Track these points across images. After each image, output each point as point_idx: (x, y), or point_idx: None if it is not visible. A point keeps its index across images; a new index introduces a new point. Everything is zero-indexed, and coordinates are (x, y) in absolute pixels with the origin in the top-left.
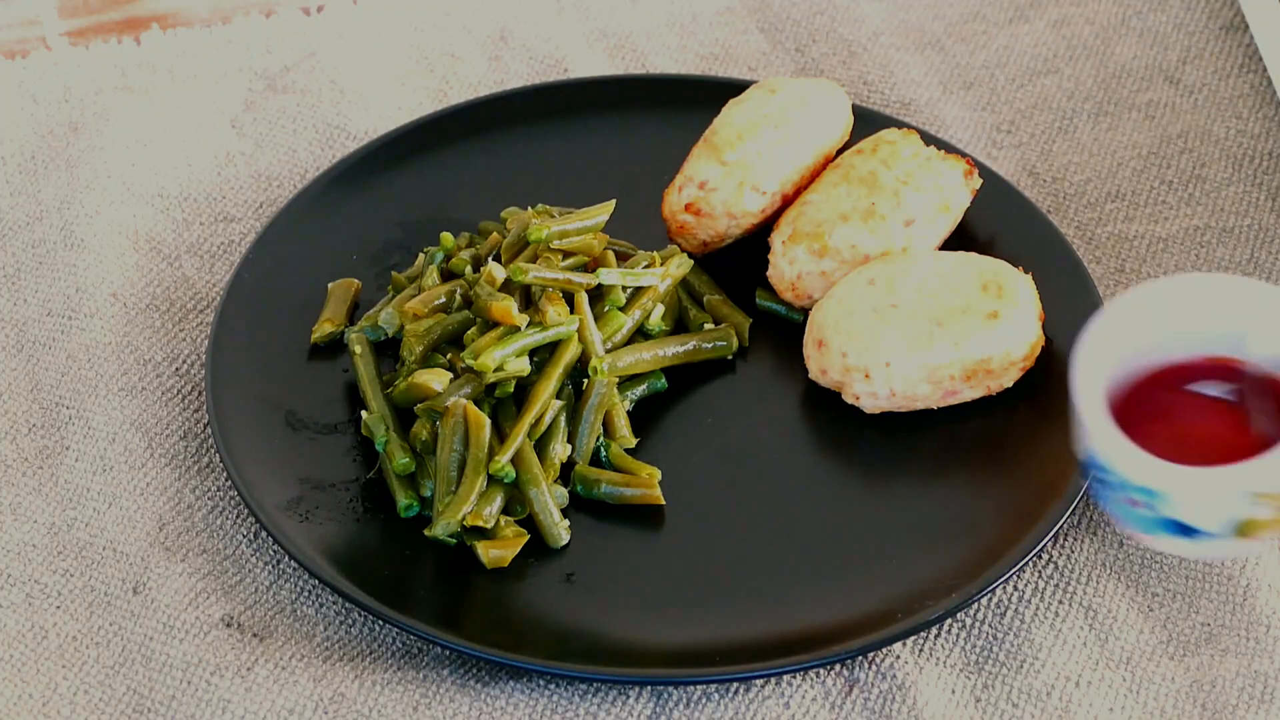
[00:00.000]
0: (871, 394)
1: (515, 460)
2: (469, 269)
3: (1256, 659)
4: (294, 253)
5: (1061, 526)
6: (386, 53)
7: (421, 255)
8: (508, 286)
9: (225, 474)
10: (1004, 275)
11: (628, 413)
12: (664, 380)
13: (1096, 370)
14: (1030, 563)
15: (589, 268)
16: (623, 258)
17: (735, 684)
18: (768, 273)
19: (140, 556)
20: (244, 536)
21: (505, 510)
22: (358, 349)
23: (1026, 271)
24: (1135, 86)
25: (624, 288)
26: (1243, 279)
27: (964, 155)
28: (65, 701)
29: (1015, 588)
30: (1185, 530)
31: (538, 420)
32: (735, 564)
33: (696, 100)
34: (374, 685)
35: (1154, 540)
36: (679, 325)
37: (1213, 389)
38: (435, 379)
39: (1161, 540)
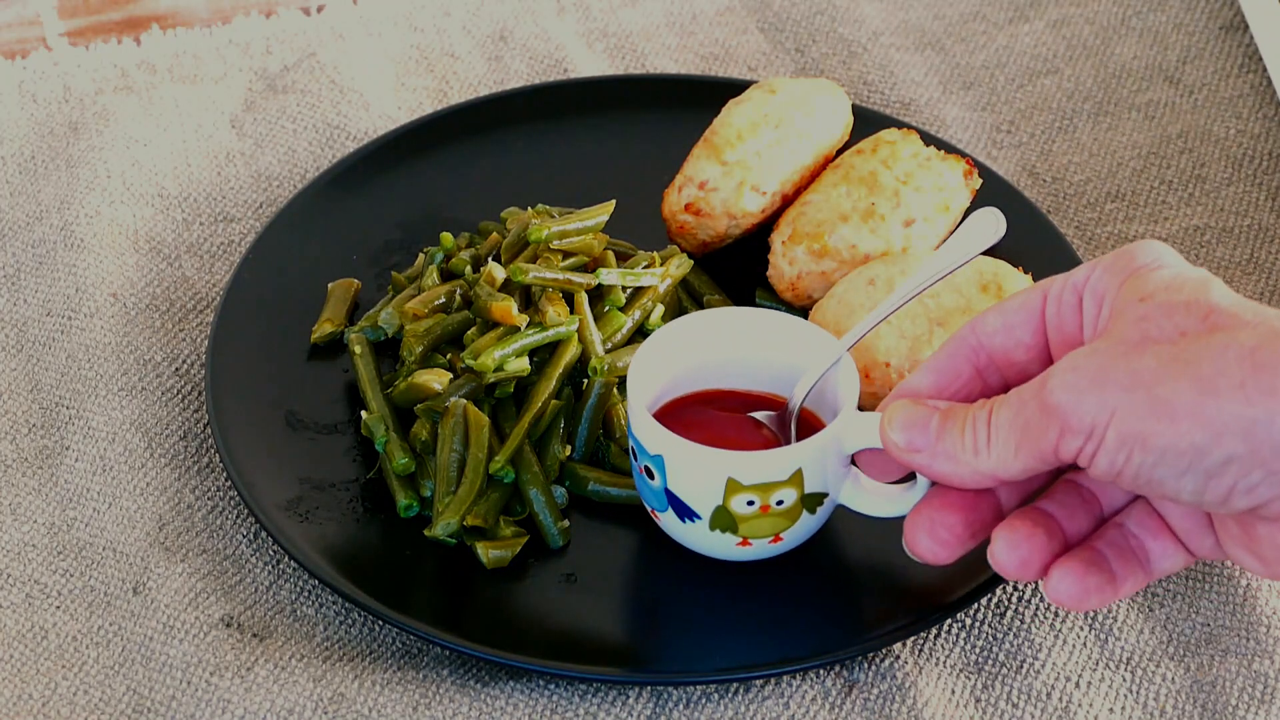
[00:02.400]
0: (871, 394)
1: (515, 460)
2: (469, 269)
3: (1256, 659)
4: (294, 253)
5: None
6: (386, 53)
7: (421, 255)
8: (508, 286)
9: (225, 474)
10: (1004, 275)
11: None
12: None
13: (648, 369)
14: None
15: (589, 268)
16: (623, 258)
17: (735, 684)
18: (768, 273)
19: (140, 556)
20: (244, 536)
21: (505, 510)
22: (358, 349)
23: (1026, 271)
24: (1135, 86)
25: (624, 288)
26: (800, 321)
27: (964, 155)
28: (65, 701)
29: (1015, 588)
30: (682, 509)
31: (538, 420)
32: (735, 564)
33: (696, 100)
34: (374, 685)
35: (662, 520)
36: None
37: (762, 415)
38: (435, 379)
39: (667, 519)
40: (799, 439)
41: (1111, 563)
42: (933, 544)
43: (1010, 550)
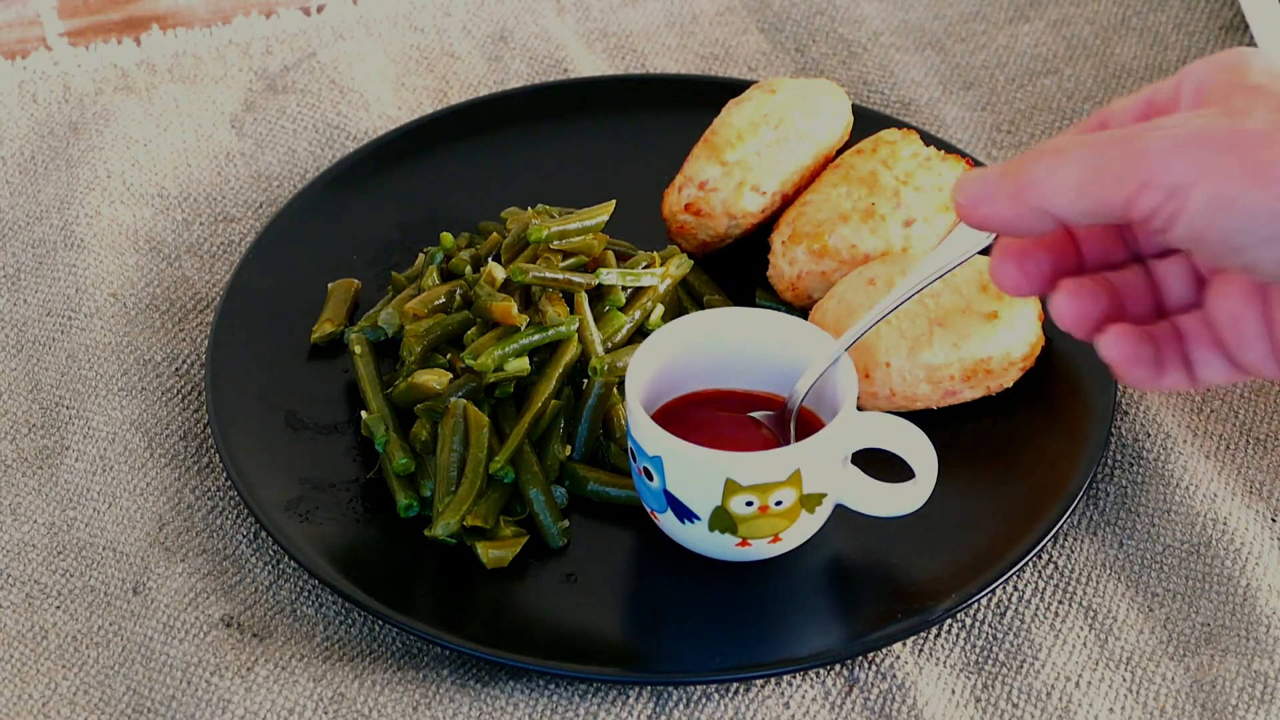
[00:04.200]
0: (871, 394)
1: (515, 460)
2: (469, 269)
3: (1256, 659)
4: (294, 253)
5: (1061, 526)
6: (386, 53)
7: (421, 255)
8: (508, 286)
9: (225, 474)
10: None
11: None
12: None
13: (647, 369)
14: (1030, 563)
15: (589, 268)
16: (623, 258)
17: (735, 684)
18: (768, 273)
19: (140, 556)
20: (244, 536)
21: (505, 510)
22: (358, 349)
23: None
24: (1135, 86)
25: (624, 288)
26: (800, 322)
27: (964, 155)
28: (65, 701)
29: (1015, 588)
30: (681, 510)
31: (538, 420)
32: (735, 564)
33: (696, 100)
34: (374, 685)
35: (661, 520)
36: None
37: (761, 415)
38: (435, 379)
39: (666, 520)
40: (798, 439)
41: (1162, 348)
42: (1018, 273)
43: (1071, 300)
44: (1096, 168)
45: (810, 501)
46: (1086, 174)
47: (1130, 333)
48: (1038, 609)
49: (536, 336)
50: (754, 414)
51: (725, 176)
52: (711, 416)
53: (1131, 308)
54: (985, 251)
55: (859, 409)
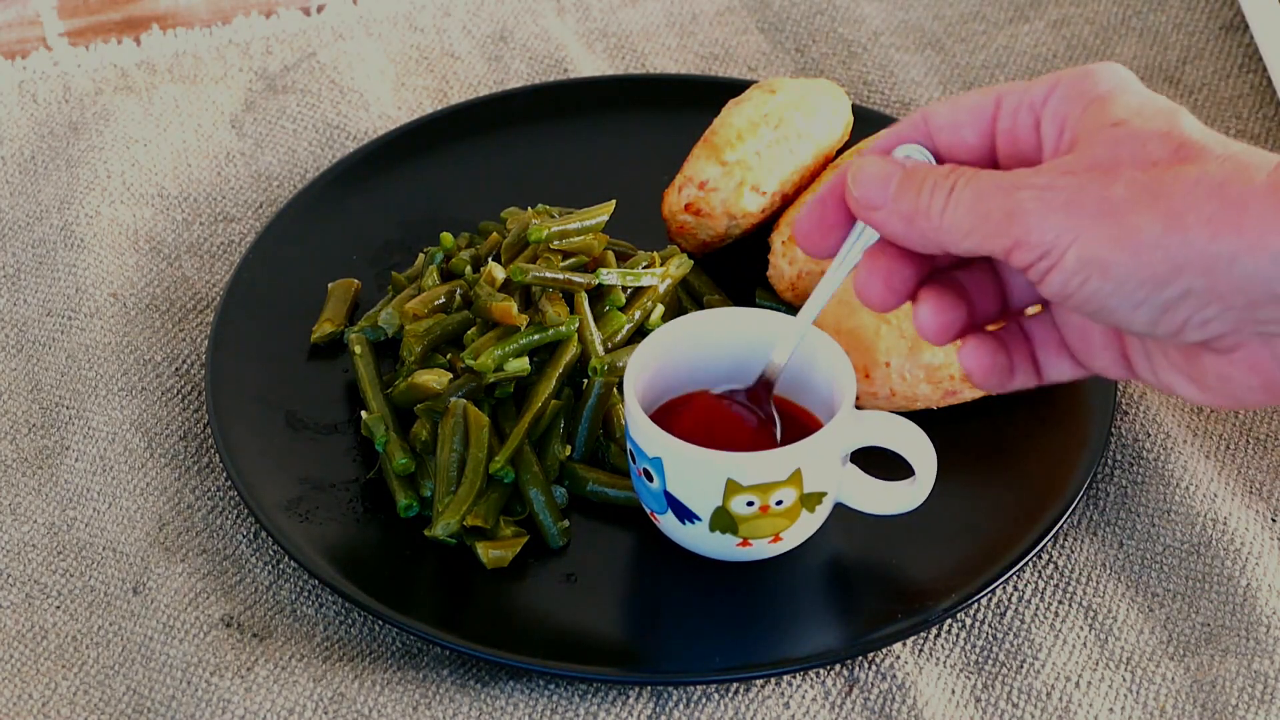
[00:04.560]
0: (871, 394)
1: (515, 460)
2: (469, 269)
3: (1256, 659)
4: (294, 253)
5: (1061, 526)
6: (386, 53)
7: (421, 255)
8: (508, 286)
9: (225, 474)
10: None
11: None
12: None
13: (646, 370)
14: (1030, 563)
15: (589, 268)
16: (623, 258)
17: (735, 684)
18: (768, 273)
19: (140, 556)
20: (244, 536)
21: (505, 510)
22: (358, 349)
23: None
24: None
25: (624, 288)
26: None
27: None
28: (65, 701)
29: (1015, 588)
30: (682, 511)
31: (538, 420)
32: (735, 564)
33: (696, 100)
34: (374, 685)
35: (661, 522)
36: None
37: (730, 390)
38: (435, 379)
39: (666, 521)
40: (796, 438)
41: (1012, 354)
42: (885, 291)
43: (935, 315)
44: (981, 215)
45: (811, 501)
46: (973, 220)
47: (986, 343)
48: (1038, 609)
49: (536, 336)
50: (723, 390)
51: (725, 176)
52: (710, 415)
53: (980, 306)
54: None
55: (859, 409)
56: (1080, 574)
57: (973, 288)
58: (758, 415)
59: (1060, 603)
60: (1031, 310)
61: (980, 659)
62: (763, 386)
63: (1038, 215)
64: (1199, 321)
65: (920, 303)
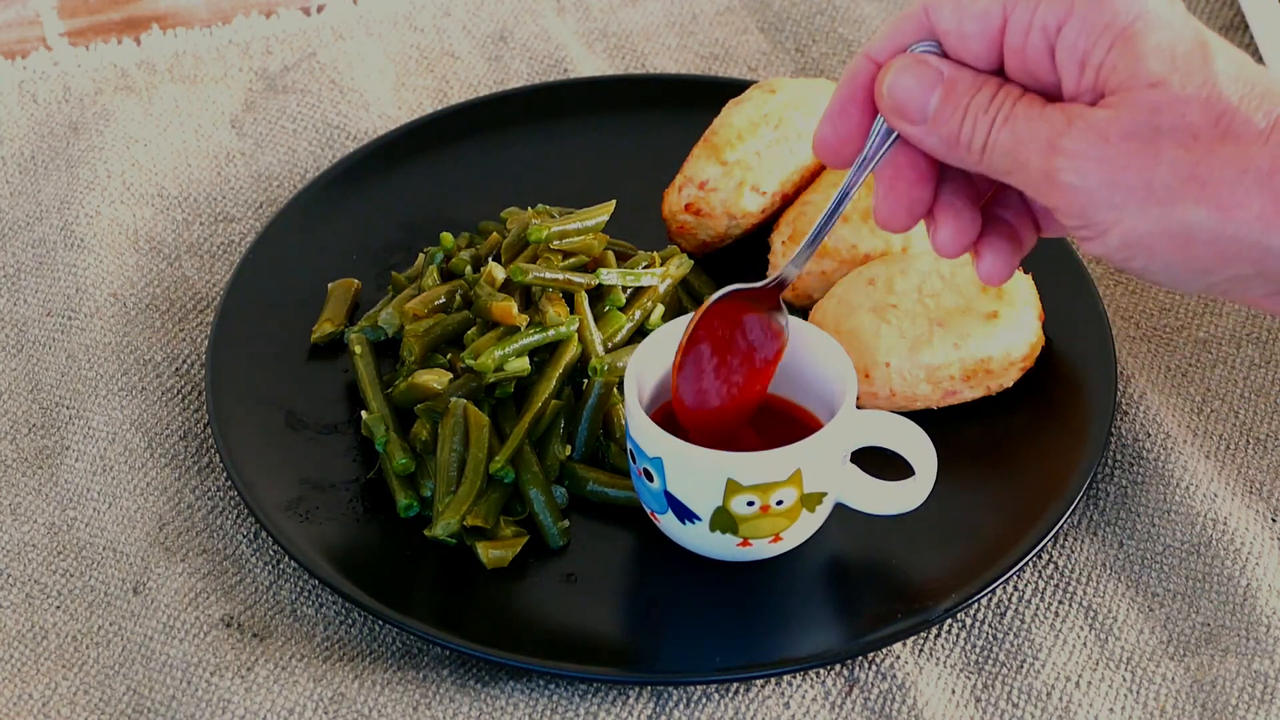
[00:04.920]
0: (871, 394)
1: (515, 460)
2: (469, 269)
3: (1256, 659)
4: (294, 253)
5: (1061, 526)
6: (386, 53)
7: (421, 255)
8: (508, 286)
9: (225, 474)
10: None
11: None
12: None
13: (646, 370)
14: (1030, 563)
15: (589, 268)
16: (623, 258)
17: (735, 684)
18: (768, 273)
19: (140, 556)
20: (244, 536)
21: (505, 510)
22: (358, 349)
23: (1026, 271)
24: None
25: (624, 288)
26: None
27: None
28: (65, 701)
29: (1015, 588)
30: (682, 510)
31: (538, 420)
32: (735, 564)
33: (696, 100)
34: (374, 685)
35: (662, 522)
36: None
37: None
38: (435, 379)
39: (666, 521)
40: (796, 438)
41: (1022, 235)
42: (906, 216)
43: (955, 238)
44: (1020, 163)
45: (811, 500)
46: (1012, 165)
47: (1002, 249)
48: (1038, 609)
49: (536, 336)
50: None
51: (725, 176)
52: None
53: (971, 194)
54: None
55: (859, 409)
56: (1080, 574)
57: (969, 190)
58: (766, 327)
59: (1060, 603)
60: None
61: (980, 659)
62: (775, 288)
63: (1078, 191)
64: (1242, 292)
65: (939, 225)
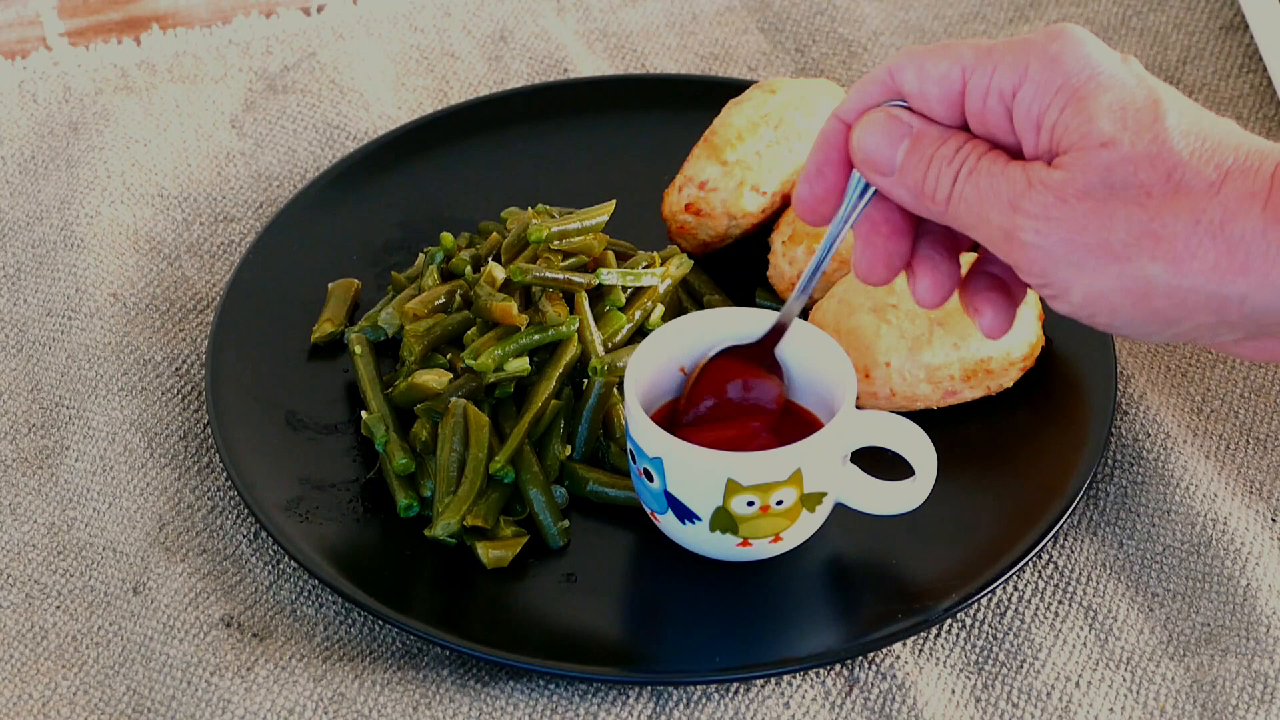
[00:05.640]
0: (871, 394)
1: (515, 460)
2: (469, 269)
3: (1256, 659)
4: (294, 253)
5: (1061, 526)
6: (386, 53)
7: (421, 255)
8: (508, 286)
9: (225, 474)
10: None
11: None
12: None
13: (646, 370)
14: (1030, 563)
15: (589, 268)
16: (623, 258)
17: (735, 684)
18: (768, 273)
19: (140, 556)
20: (244, 536)
21: (505, 510)
22: (358, 349)
23: None
24: None
25: (624, 288)
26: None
27: None
28: (65, 701)
29: (1015, 588)
30: (682, 510)
31: (538, 420)
32: (735, 564)
33: (696, 100)
34: (374, 685)
35: (661, 522)
36: None
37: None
38: (435, 379)
39: (666, 521)
40: (796, 438)
41: (1013, 292)
42: (885, 270)
43: (934, 291)
44: (982, 219)
45: (811, 500)
46: (975, 220)
47: (999, 300)
48: (1038, 609)
49: (536, 336)
50: (724, 350)
51: (725, 176)
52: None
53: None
54: None
55: (859, 409)
56: (1080, 574)
57: (948, 242)
58: (763, 366)
59: (1060, 603)
60: None
61: (980, 659)
62: (771, 336)
63: (1037, 250)
64: (1210, 338)
65: (918, 277)
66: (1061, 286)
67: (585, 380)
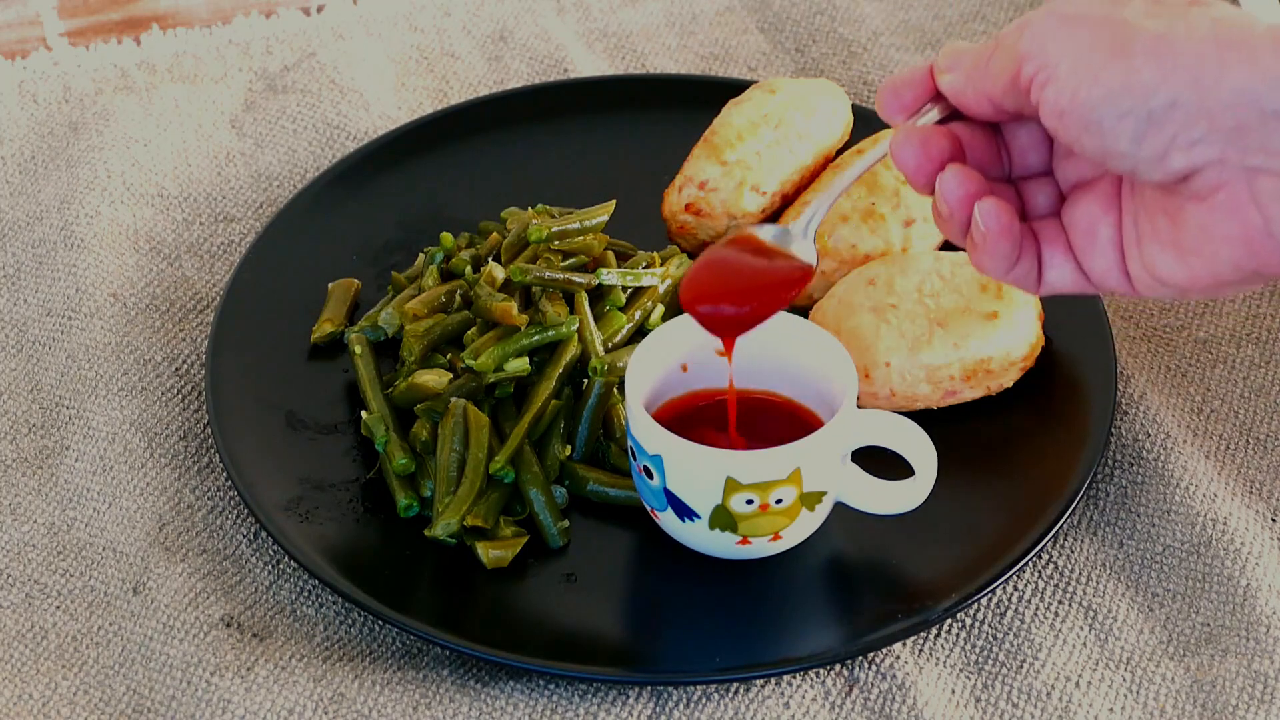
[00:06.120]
0: (871, 394)
1: (515, 460)
2: (469, 269)
3: (1256, 659)
4: (294, 253)
5: (1061, 526)
6: (386, 53)
7: (421, 255)
8: (508, 286)
9: (225, 474)
10: None
11: None
12: None
13: (647, 369)
14: (1030, 563)
15: (589, 268)
16: (623, 258)
17: (735, 684)
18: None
19: (140, 556)
20: (244, 536)
21: (505, 510)
22: (358, 349)
23: None
24: None
25: (624, 288)
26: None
27: None
28: (65, 701)
29: (1015, 588)
30: (681, 508)
31: (538, 420)
32: (735, 564)
33: (696, 100)
34: (374, 685)
35: (662, 519)
36: None
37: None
38: (435, 379)
39: (666, 518)
40: (796, 437)
41: (1021, 246)
42: (921, 152)
43: (959, 177)
44: (1008, 37)
45: (810, 499)
46: (1002, 46)
47: (1003, 207)
48: (1038, 609)
49: (536, 336)
50: (755, 231)
51: (725, 176)
52: (711, 416)
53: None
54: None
55: (859, 408)
56: (1080, 574)
57: (996, 193)
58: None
59: (1060, 603)
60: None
61: (980, 659)
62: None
63: (1041, 24)
64: (1185, 142)
65: (948, 170)
66: (1054, 63)
67: (585, 380)
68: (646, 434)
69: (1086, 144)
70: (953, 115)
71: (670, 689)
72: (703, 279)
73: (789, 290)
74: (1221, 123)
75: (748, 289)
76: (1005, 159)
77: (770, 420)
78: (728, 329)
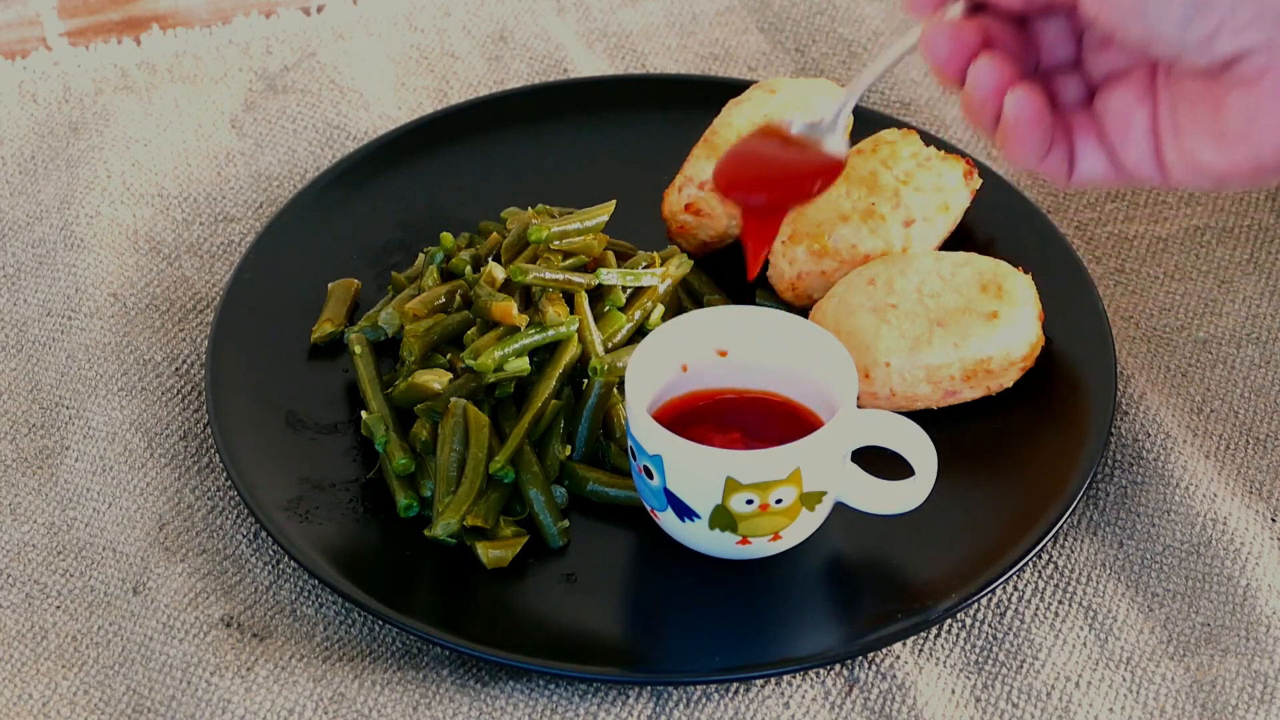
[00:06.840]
0: (871, 394)
1: (515, 460)
2: (469, 269)
3: (1256, 659)
4: (294, 253)
5: (1061, 526)
6: (386, 53)
7: (421, 255)
8: (508, 286)
9: (225, 474)
10: (1004, 275)
11: None
12: None
13: (647, 369)
14: (1030, 563)
15: (589, 268)
16: (623, 258)
17: (735, 684)
18: (768, 273)
19: (140, 556)
20: (244, 536)
21: (505, 510)
22: (358, 349)
23: (1026, 271)
24: None
25: (624, 288)
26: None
27: (964, 155)
28: (65, 701)
29: (1015, 588)
30: (681, 508)
31: (538, 420)
32: (735, 564)
33: (696, 100)
34: (374, 685)
35: (662, 519)
36: None
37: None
38: (435, 379)
39: (666, 518)
40: (796, 437)
41: (1054, 134)
42: (951, 40)
43: (992, 63)
44: None
45: (810, 499)
46: None
47: (1035, 95)
48: (1038, 609)
49: (536, 336)
50: (795, 130)
51: None
52: (711, 416)
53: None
54: (986, 251)
55: (859, 408)
56: (1080, 574)
57: (1010, 48)
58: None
59: (1060, 603)
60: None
61: (980, 659)
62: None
63: None
64: (1234, 27)
65: (979, 61)
66: None
67: (585, 380)
68: (646, 434)
69: (1131, 29)
70: (978, 10)
71: (670, 689)
72: (734, 168)
73: (820, 180)
74: (1271, 5)
75: (779, 179)
76: (1033, 53)
77: (770, 420)
78: (759, 212)
